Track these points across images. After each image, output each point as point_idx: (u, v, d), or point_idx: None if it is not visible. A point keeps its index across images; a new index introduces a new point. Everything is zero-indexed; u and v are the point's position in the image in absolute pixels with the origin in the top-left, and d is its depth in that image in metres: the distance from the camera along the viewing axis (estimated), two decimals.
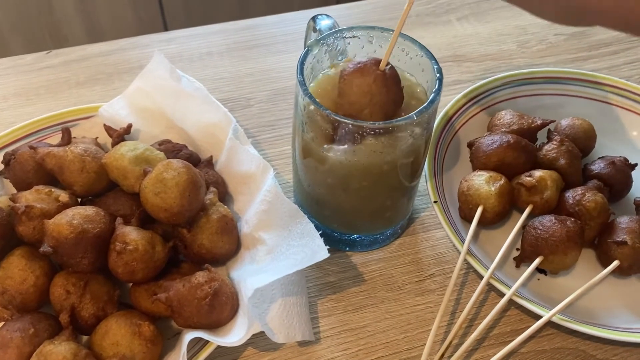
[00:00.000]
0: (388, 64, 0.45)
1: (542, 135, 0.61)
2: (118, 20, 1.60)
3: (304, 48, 0.49)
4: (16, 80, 0.72)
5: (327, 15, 0.53)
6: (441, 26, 0.80)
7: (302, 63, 0.47)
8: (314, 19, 0.53)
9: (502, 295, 0.51)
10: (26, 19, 1.51)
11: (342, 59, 0.51)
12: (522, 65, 0.74)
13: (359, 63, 0.45)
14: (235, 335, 0.44)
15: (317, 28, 0.52)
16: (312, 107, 0.45)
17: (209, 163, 0.57)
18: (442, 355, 0.47)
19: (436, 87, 0.46)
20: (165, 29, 1.67)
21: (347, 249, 0.56)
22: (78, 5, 1.53)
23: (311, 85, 0.49)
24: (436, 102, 0.45)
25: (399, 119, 0.44)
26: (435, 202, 0.54)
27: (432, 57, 0.47)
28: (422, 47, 0.48)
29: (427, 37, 0.78)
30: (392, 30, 0.49)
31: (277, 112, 0.69)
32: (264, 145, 0.65)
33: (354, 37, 0.50)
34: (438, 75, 0.46)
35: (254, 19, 0.80)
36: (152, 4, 1.60)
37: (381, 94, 0.45)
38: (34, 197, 0.49)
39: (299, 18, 0.80)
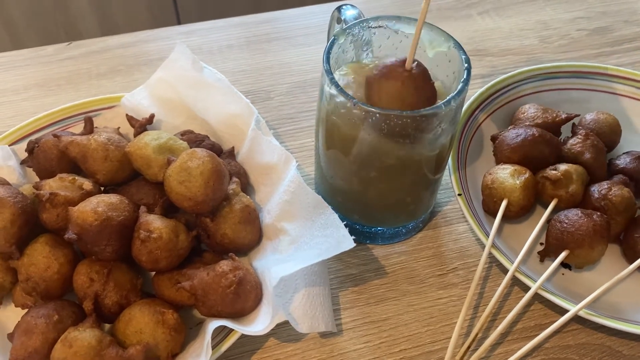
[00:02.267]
0: (415, 61, 0.45)
1: (566, 130, 0.60)
2: (132, 16, 1.61)
3: (329, 38, 0.48)
4: (37, 71, 0.72)
5: (352, 6, 0.53)
6: (462, 20, 0.79)
7: (328, 52, 0.47)
8: (338, 9, 0.53)
9: (525, 289, 0.51)
10: (41, 15, 1.52)
11: (367, 49, 0.51)
12: (544, 61, 0.74)
13: (384, 67, 0.44)
14: (259, 324, 0.43)
15: (342, 18, 0.52)
16: (338, 96, 0.44)
17: (231, 154, 0.57)
18: (469, 347, 0.46)
19: (464, 77, 0.45)
20: (179, 24, 1.68)
21: (368, 242, 0.56)
22: (92, 1, 1.54)
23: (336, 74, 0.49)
24: (464, 92, 0.45)
25: (426, 108, 0.44)
26: (459, 194, 0.54)
27: (459, 47, 0.47)
28: (449, 37, 0.48)
29: (448, 31, 0.77)
30: (415, 19, 0.49)
31: (297, 105, 0.68)
32: (285, 137, 0.65)
33: (379, 27, 0.50)
34: (466, 65, 0.46)
35: (274, 12, 0.80)
36: (166, 0, 1.61)
37: (412, 95, 0.44)
38: (58, 185, 0.49)
39: (319, 11, 0.80)
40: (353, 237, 0.46)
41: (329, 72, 0.45)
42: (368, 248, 0.56)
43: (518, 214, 0.54)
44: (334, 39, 0.48)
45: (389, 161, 0.47)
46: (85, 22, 1.57)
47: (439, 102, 0.44)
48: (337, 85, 0.44)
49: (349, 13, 0.51)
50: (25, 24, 1.54)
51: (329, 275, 0.53)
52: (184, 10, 1.65)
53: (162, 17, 1.65)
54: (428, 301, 0.52)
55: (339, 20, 0.53)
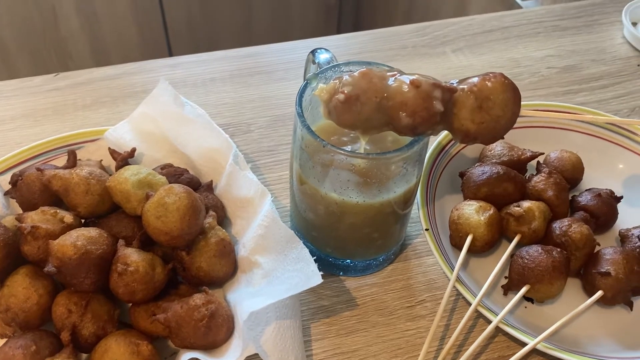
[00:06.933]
0: None
1: (531, 167, 0.63)
2: (122, 40, 1.64)
3: (304, 80, 0.51)
4: (24, 101, 0.74)
5: (325, 50, 0.56)
6: (436, 57, 0.82)
7: (301, 95, 0.49)
8: (313, 52, 0.56)
9: (490, 322, 0.53)
10: (32, 36, 1.54)
11: None
12: None
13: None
14: (230, 356, 0.45)
15: (316, 61, 0.55)
16: (309, 137, 0.47)
17: (209, 187, 0.59)
18: None
19: None
20: (169, 50, 1.71)
21: (341, 273, 0.58)
22: (84, 24, 1.57)
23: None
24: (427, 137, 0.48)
25: (391, 151, 0.46)
26: (426, 229, 0.56)
27: None
28: None
29: (423, 68, 0.80)
30: (386, 66, 0.51)
31: (277, 138, 0.71)
32: (263, 169, 0.67)
33: (350, 71, 0.52)
34: None
35: (257, 47, 0.83)
36: (157, 26, 1.64)
37: None
38: (40, 218, 0.51)
39: (300, 47, 0.83)
40: (322, 271, 0.48)
41: (301, 114, 0.48)
42: (340, 280, 0.58)
43: (483, 248, 0.56)
44: (307, 83, 0.50)
45: (358, 198, 0.49)
46: (75, 45, 1.60)
47: (403, 146, 0.46)
48: (308, 128, 0.47)
49: (322, 57, 0.54)
50: (17, 44, 1.56)
51: (302, 307, 0.55)
52: (175, 37, 1.68)
53: (153, 43, 1.67)
54: (396, 333, 0.54)
55: (314, 62, 0.56)
